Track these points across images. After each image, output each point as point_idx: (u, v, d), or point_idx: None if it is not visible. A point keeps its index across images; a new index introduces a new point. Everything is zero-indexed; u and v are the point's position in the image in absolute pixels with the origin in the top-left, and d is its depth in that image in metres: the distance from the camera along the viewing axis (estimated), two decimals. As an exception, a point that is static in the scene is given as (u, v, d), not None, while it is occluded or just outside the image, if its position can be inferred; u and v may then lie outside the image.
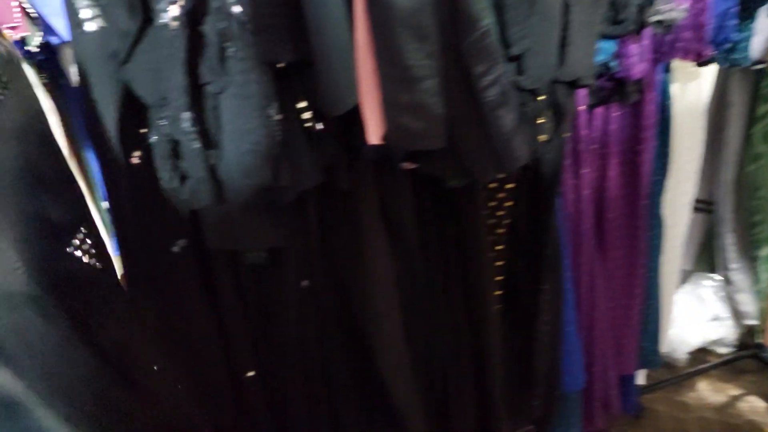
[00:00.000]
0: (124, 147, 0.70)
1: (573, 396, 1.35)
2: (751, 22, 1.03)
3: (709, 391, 1.79)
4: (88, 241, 0.63)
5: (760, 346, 1.70)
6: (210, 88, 0.67)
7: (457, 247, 1.04)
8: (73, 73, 1.20)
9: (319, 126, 0.74)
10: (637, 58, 0.97)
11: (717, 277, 1.75)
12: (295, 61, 0.65)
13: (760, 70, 1.32)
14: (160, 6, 0.60)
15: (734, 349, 1.76)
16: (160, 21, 0.61)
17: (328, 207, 0.89)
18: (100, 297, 0.62)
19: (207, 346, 0.87)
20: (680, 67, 1.15)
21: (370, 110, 0.70)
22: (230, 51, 0.65)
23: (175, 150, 0.72)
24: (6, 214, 0.50)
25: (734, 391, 1.77)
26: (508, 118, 0.75)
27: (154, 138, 0.71)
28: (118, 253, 0.83)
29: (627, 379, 1.46)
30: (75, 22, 0.63)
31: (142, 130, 0.72)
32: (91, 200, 1.71)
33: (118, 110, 0.67)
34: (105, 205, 1.75)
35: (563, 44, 0.83)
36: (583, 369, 1.32)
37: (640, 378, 1.54)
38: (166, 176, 0.73)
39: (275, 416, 1.01)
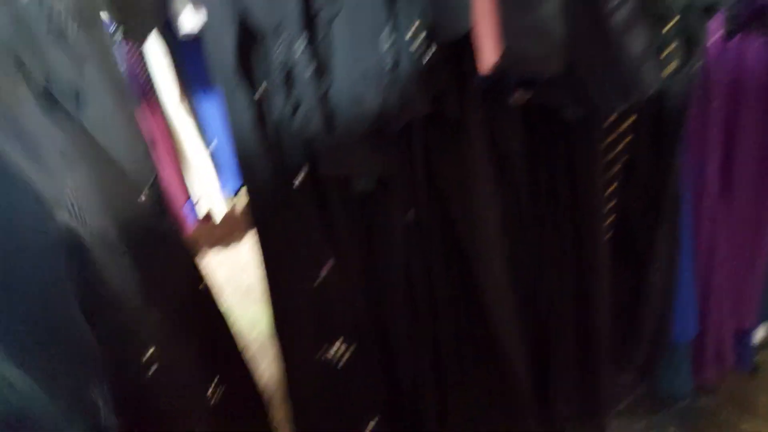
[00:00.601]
0: (246, 79, 0.72)
1: (683, 345, 1.28)
2: None
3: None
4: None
5: None
6: (323, 15, 0.67)
7: (568, 184, 0.99)
8: (181, 21, 1.26)
9: (430, 52, 0.72)
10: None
11: None
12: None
13: None
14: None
15: None
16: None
17: (435, 137, 0.88)
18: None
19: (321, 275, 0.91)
20: None
21: (484, 34, 0.66)
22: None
23: (289, 78, 0.73)
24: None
25: None
26: (637, 43, 0.69)
27: (269, 68, 0.73)
28: (239, 187, 0.88)
29: (743, 334, 1.36)
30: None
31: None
32: (199, 141, 1.82)
33: (236, 40, 0.69)
34: (213, 145, 1.86)
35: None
36: (696, 319, 1.25)
37: (759, 334, 1.43)
38: (279, 105, 0.76)
39: (380, 347, 1.06)
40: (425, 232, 0.99)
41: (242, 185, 0.90)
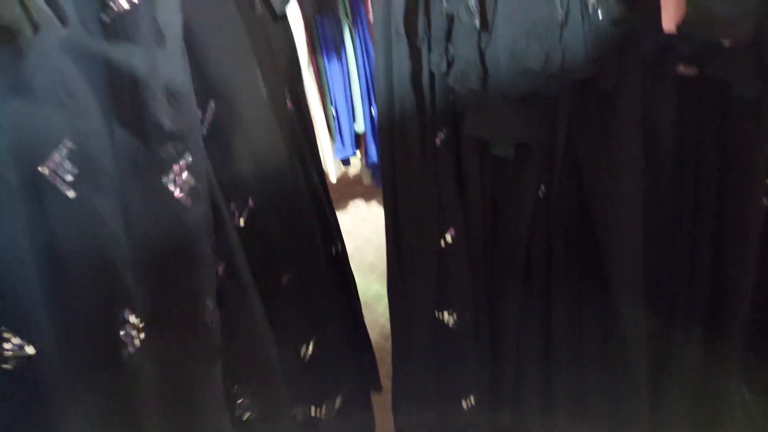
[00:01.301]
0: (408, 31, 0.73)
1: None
2: None
3: None
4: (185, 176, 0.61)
5: None
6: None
7: (719, 171, 0.92)
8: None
9: (605, 12, 0.69)
10: None
11: None
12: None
13: None
14: None
15: None
16: None
17: (582, 108, 0.85)
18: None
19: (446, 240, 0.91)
20: None
21: (671, -9, 0.62)
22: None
23: (450, 31, 0.73)
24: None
25: None
26: None
27: (431, 20, 0.73)
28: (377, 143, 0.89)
29: None
30: None
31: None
32: (321, 106, 1.88)
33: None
34: (333, 111, 1.91)
35: None
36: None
37: None
38: (437, 59, 0.75)
39: (491, 321, 1.04)
40: (554, 208, 0.96)
41: (378, 144, 0.91)
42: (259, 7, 0.82)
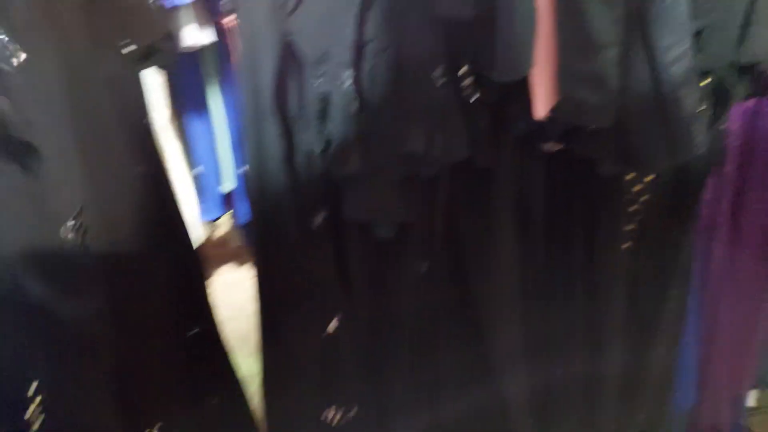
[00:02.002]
0: (279, 109, 0.66)
1: (680, 414, 1.25)
2: None
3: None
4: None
5: None
6: (373, 46, 0.63)
7: (586, 241, 0.96)
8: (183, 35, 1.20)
9: (481, 94, 0.68)
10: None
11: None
12: (473, 18, 0.59)
13: None
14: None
15: None
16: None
17: (460, 184, 0.84)
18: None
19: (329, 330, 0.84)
20: None
21: (542, 79, 0.63)
22: (401, 5, 0.60)
23: (325, 112, 0.68)
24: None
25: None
26: (690, 99, 0.67)
27: (304, 99, 0.67)
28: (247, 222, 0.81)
29: (738, 400, 1.34)
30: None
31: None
32: (185, 166, 1.74)
33: (277, 66, 0.63)
34: (198, 170, 1.78)
35: (746, 22, 0.74)
36: (695, 386, 1.22)
37: (750, 399, 1.41)
38: (311, 139, 0.70)
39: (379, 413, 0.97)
40: (437, 283, 0.94)
41: (250, 220, 0.83)
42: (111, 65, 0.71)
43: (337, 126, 0.67)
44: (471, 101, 0.68)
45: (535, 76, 0.63)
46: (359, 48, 0.62)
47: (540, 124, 0.73)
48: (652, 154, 0.70)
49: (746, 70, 0.80)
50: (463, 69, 0.65)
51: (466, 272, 0.93)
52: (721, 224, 1.08)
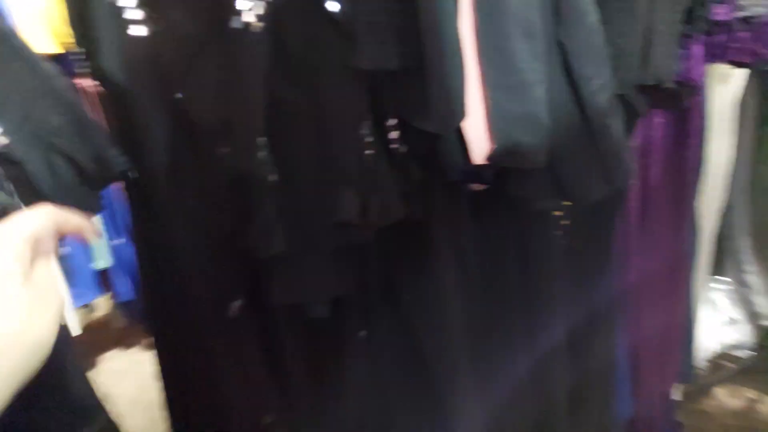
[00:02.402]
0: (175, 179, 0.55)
1: (621, 424, 1.26)
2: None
3: (727, 397, 1.76)
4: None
5: (778, 347, 1.69)
6: (287, 107, 0.54)
7: (520, 272, 0.93)
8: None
9: (404, 148, 0.61)
10: (697, 60, 0.90)
11: (726, 280, 1.73)
12: (400, 68, 0.52)
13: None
14: (240, 2, 0.46)
15: (751, 352, 1.73)
16: (238, 22, 0.47)
17: (394, 243, 0.77)
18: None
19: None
20: (714, 69, 1.11)
21: (475, 125, 0.58)
22: (317, 59, 0.52)
23: (243, 187, 0.58)
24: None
25: (751, 394, 1.75)
26: (617, 126, 0.65)
27: (210, 171, 0.57)
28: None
29: (666, 398, 1.39)
30: (118, 24, 0.48)
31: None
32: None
33: (169, 135, 0.52)
34: (64, 250, 1.55)
35: (647, 44, 0.75)
36: (630, 394, 1.24)
37: (676, 394, 1.47)
38: (224, 219, 0.59)
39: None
40: (377, 347, 0.85)
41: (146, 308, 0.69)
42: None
43: (256, 201, 0.57)
44: (400, 155, 0.61)
45: (471, 122, 0.58)
46: (273, 113, 0.53)
47: (471, 169, 0.68)
48: (587, 186, 0.68)
49: (647, 88, 0.82)
50: (391, 121, 0.58)
51: (409, 328, 0.86)
52: (635, 236, 1.11)
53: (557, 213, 0.99)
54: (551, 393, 1.03)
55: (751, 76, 1.40)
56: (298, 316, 0.73)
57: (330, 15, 0.49)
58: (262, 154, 0.52)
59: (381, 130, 0.58)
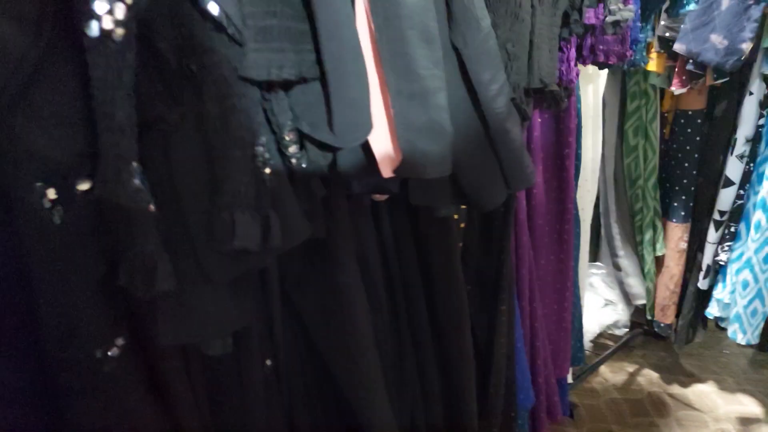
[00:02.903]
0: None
1: (524, 412, 1.30)
2: (648, 24, 1.08)
3: (610, 374, 1.91)
4: None
5: (649, 323, 1.85)
6: (164, 126, 0.46)
7: (424, 278, 0.91)
8: None
9: (303, 165, 0.56)
10: (572, 62, 0.95)
11: (601, 264, 1.87)
12: (297, 77, 0.47)
13: (626, 69, 1.43)
14: (96, 6, 0.38)
15: (627, 330, 1.89)
16: (94, 30, 0.39)
17: (294, 266, 0.71)
18: None
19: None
20: (583, 70, 1.18)
21: (381, 136, 0.55)
22: (194, 68, 0.45)
23: (109, 221, 0.49)
24: None
25: (630, 368, 1.91)
26: (516, 131, 0.65)
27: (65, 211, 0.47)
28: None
29: (561, 382, 1.46)
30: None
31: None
32: None
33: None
34: None
35: (531, 48, 0.77)
36: (530, 384, 1.28)
37: (569, 377, 1.56)
38: (96, 262, 0.50)
39: None
40: (284, 373, 0.79)
41: None
42: None
43: (131, 238, 0.48)
44: (300, 171, 0.56)
45: (377, 135, 0.54)
46: (147, 131, 0.45)
47: (379, 182, 0.65)
48: (489, 192, 0.67)
49: (531, 91, 0.84)
50: (289, 136, 0.52)
51: (317, 352, 0.80)
52: (524, 232, 1.14)
53: (455, 216, 1.00)
54: (459, 388, 1.02)
55: (614, 76, 1.52)
56: (194, 355, 0.65)
57: (212, 18, 0.42)
58: (136, 182, 0.44)
59: (278, 146, 0.52)
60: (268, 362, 0.75)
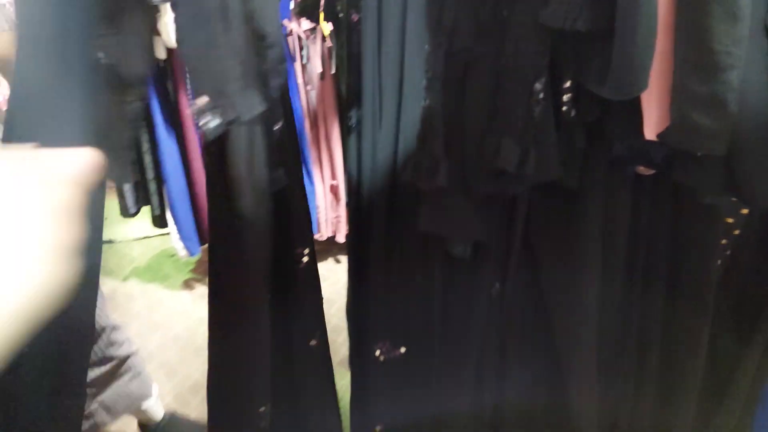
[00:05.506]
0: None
1: None
2: None
3: None
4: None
5: None
6: (464, 55, 0.59)
7: (669, 275, 0.89)
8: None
9: (574, 112, 0.63)
10: None
11: None
12: (588, 30, 0.54)
13: None
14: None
15: None
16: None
17: (542, 206, 0.79)
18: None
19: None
20: None
21: (655, 99, 0.58)
22: (505, 13, 0.56)
23: (404, 125, 0.65)
24: None
25: None
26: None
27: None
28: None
29: None
30: None
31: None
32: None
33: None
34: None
35: None
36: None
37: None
38: (388, 151, 0.66)
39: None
40: (508, 307, 0.89)
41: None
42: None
43: (423, 139, 0.63)
44: (568, 119, 0.63)
45: (648, 93, 0.58)
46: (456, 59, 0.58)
47: (640, 147, 0.68)
48: (765, 186, 0.64)
49: None
50: (566, 83, 0.60)
51: (541, 299, 0.88)
52: None
53: (729, 220, 0.93)
54: (679, 400, 0.97)
55: None
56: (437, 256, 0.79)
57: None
58: (431, 94, 0.58)
59: (555, 90, 0.61)
60: (497, 285, 0.86)
